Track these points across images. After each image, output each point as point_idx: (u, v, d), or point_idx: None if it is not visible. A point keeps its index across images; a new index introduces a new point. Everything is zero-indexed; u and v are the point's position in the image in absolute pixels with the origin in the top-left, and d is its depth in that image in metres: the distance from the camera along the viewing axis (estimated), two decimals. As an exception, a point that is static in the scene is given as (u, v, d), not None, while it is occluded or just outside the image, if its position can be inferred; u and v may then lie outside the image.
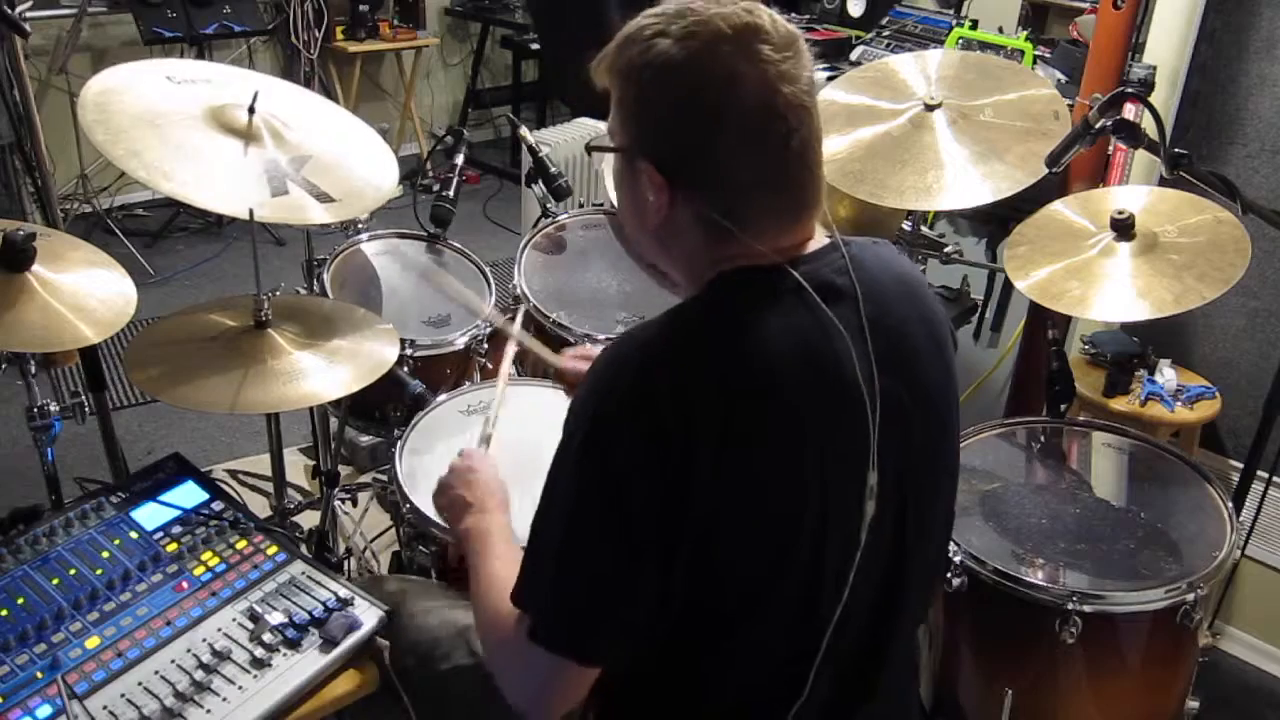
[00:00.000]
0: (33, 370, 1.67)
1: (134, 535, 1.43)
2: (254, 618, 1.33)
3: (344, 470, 2.66)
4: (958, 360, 1.11)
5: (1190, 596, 1.53)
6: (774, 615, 1.01)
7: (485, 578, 1.13)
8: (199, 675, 1.24)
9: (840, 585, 1.00)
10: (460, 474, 1.31)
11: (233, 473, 2.76)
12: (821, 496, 0.97)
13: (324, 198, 1.72)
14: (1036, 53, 3.31)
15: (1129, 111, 1.85)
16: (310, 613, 1.33)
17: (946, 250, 2.52)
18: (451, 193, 2.27)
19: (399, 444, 1.76)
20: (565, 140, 3.84)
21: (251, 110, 1.73)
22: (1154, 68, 2.26)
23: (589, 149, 1.12)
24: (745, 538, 0.97)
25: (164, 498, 1.51)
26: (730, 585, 0.99)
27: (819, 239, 1.05)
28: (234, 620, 1.33)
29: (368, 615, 1.35)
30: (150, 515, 1.48)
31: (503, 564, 1.14)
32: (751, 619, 1.01)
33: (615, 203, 1.15)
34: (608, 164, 1.11)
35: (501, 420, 1.84)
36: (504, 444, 1.74)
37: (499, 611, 1.05)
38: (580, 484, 0.97)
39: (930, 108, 2.09)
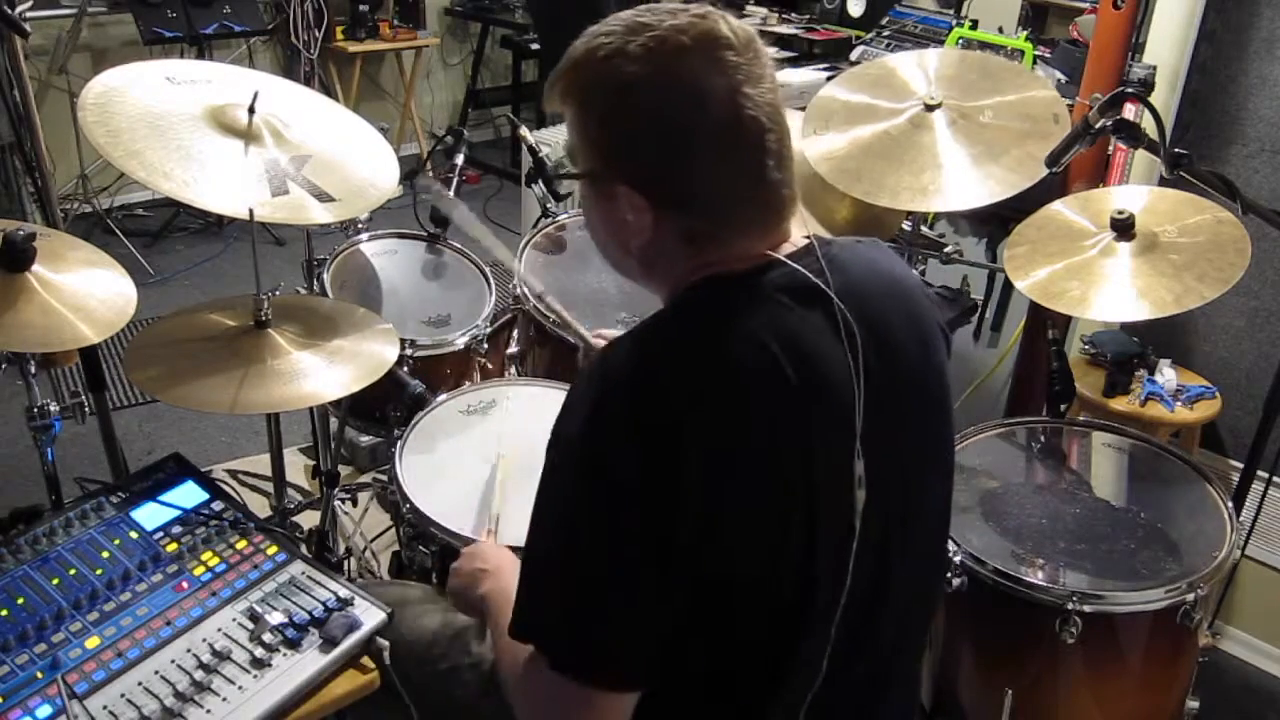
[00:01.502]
0: (33, 370, 1.67)
1: (134, 535, 1.43)
2: (254, 618, 1.33)
3: (344, 470, 2.66)
4: (958, 360, 1.12)
5: (1190, 596, 1.53)
6: (772, 609, 1.01)
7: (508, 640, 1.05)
8: (199, 675, 1.24)
9: (841, 575, 1.00)
10: (468, 556, 1.34)
11: (233, 473, 2.77)
12: (809, 491, 0.97)
13: (324, 197, 1.73)
14: (1036, 53, 3.31)
15: (1129, 111, 1.85)
16: (310, 613, 1.33)
17: (946, 250, 2.52)
18: (452, 193, 2.27)
19: (399, 444, 1.76)
20: (565, 140, 3.84)
21: (252, 110, 1.73)
22: (1154, 68, 2.26)
23: (557, 176, 1.12)
24: (738, 538, 0.96)
25: (164, 498, 1.51)
26: (729, 585, 0.98)
27: (797, 240, 1.05)
28: (234, 620, 1.33)
29: (368, 615, 1.35)
30: (150, 515, 1.48)
31: None
32: (752, 615, 1.00)
33: (587, 227, 1.13)
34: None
35: (506, 419, 1.84)
36: (508, 444, 1.74)
37: (518, 660, 1.03)
38: (576, 508, 0.96)
39: (930, 108, 2.09)
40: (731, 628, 1.01)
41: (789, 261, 1.01)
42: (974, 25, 3.62)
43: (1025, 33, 3.56)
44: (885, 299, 1.05)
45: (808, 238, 1.05)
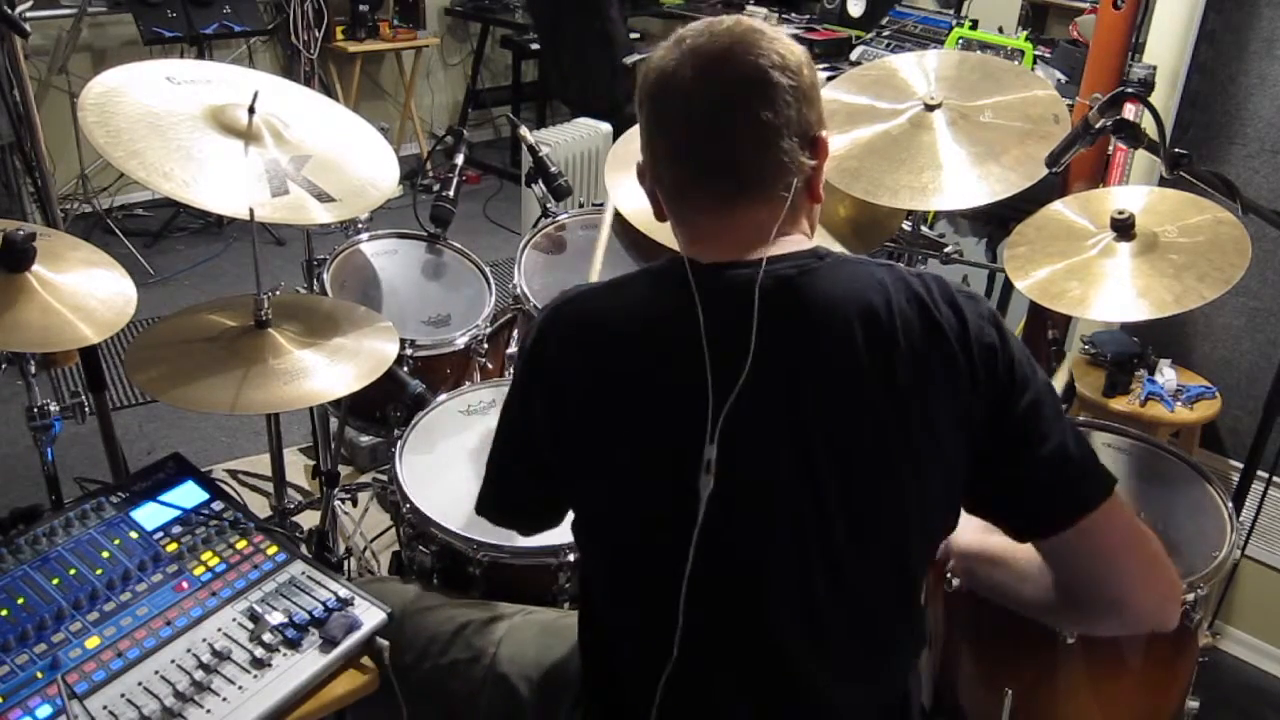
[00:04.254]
0: (33, 370, 1.67)
1: (134, 535, 1.44)
2: (254, 618, 1.33)
3: (344, 470, 2.66)
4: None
5: (1190, 596, 1.53)
6: (632, 582, 1.14)
7: None
8: (199, 675, 1.24)
9: (679, 554, 1.05)
10: None
11: (233, 473, 2.77)
12: (663, 468, 1.06)
13: (324, 197, 1.73)
14: (1036, 53, 3.31)
15: (1129, 111, 1.85)
16: (310, 613, 1.33)
17: (946, 250, 2.52)
18: (451, 193, 2.27)
19: (399, 444, 1.76)
20: (565, 140, 3.84)
21: (252, 110, 1.73)
22: (1154, 68, 2.26)
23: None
24: (593, 486, 1.14)
25: (164, 498, 1.51)
26: (593, 528, 1.18)
27: (788, 247, 1.09)
28: (234, 620, 1.33)
29: (368, 615, 1.35)
30: (150, 515, 1.48)
31: None
32: (618, 581, 1.16)
33: None
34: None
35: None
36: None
37: None
38: (505, 401, 1.22)
39: (930, 108, 2.09)
40: (607, 580, 1.18)
41: (742, 262, 1.07)
42: (974, 25, 3.63)
43: (1025, 33, 3.57)
44: (847, 321, 1.04)
45: (814, 248, 1.10)
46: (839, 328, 1.04)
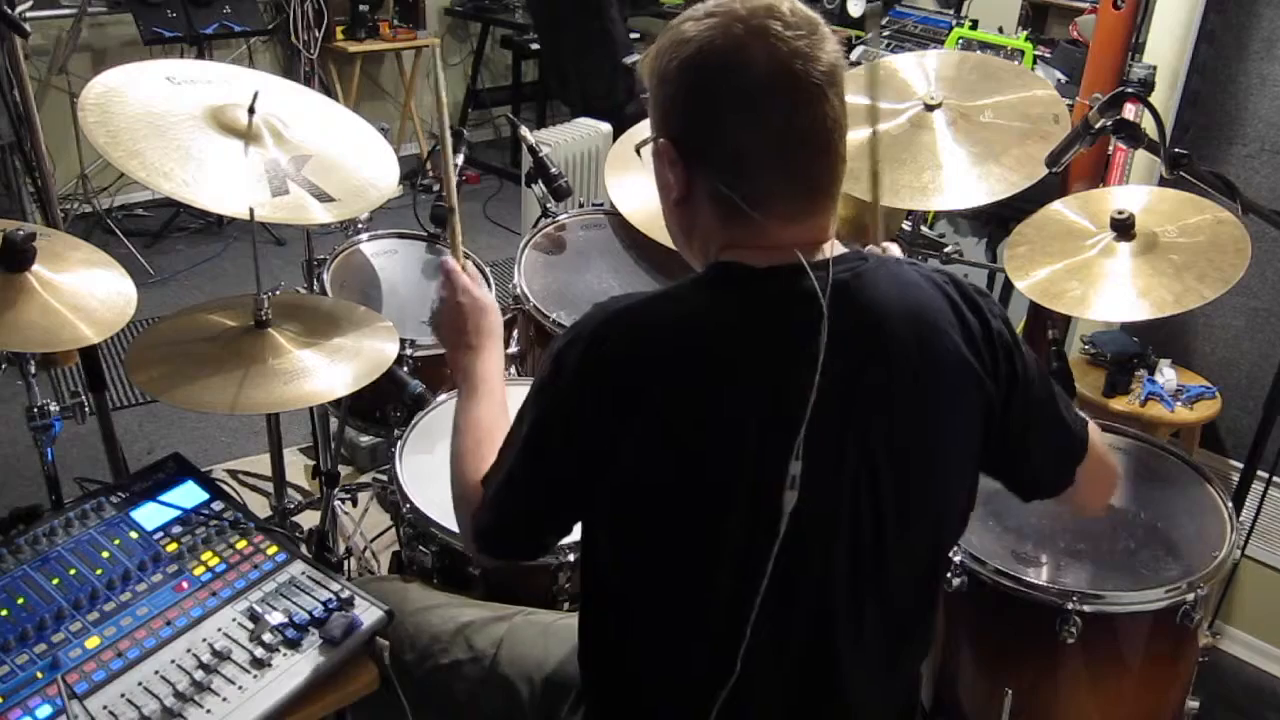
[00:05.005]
0: (33, 370, 1.67)
1: (134, 535, 1.44)
2: (254, 618, 1.33)
3: (344, 470, 2.66)
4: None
5: (1190, 596, 1.53)
6: (692, 593, 1.07)
7: (468, 420, 1.28)
8: (199, 675, 1.24)
9: (755, 570, 1.02)
10: (474, 310, 1.38)
11: (233, 473, 2.77)
12: (735, 481, 1.01)
13: (324, 197, 1.72)
14: (1036, 53, 3.31)
15: (1129, 111, 1.85)
16: (310, 613, 1.33)
17: (946, 250, 2.52)
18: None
19: (399, 444, 1.76)
20: (565, 140, 3.84)
21: (252, 110, 1.73)
22: (1154, 68, 2.25)
23: (638, 149, 1.17)
24: (660, 509, 1.04)
25: (164, 498, 1.51)
26: (651, 551, 1.08)
27: (838, 246, 1.07)
28: (234, 620, 1.33)
29: (368, 615, 1.35)
30: (150, 515, 1.48)
31: (485, 408, 1.30)
32: (674, 593, 1.08)
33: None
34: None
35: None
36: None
37: (469, 466, 1.22)
38: (532, 416, 1.09)
39: (930, 108, 2.09)
40: (659, 598, 1.10)
41: (807, 266, 1.02)
42: (974, 25, 3.62)
43: (1025, 33, 3.57)
44: (901, 322, 1.04)
45: (849, 248, 1.08)
46: (891, 331, 1.03)
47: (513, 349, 2.24)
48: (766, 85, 0.98)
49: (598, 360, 1.02)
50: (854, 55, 3.71)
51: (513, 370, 2.22)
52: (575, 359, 1.03)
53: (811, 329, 0.99)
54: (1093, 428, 1.24)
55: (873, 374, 1.03)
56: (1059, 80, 3.10)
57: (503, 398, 1.32)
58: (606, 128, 3.90)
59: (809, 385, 0.98)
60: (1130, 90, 1.80)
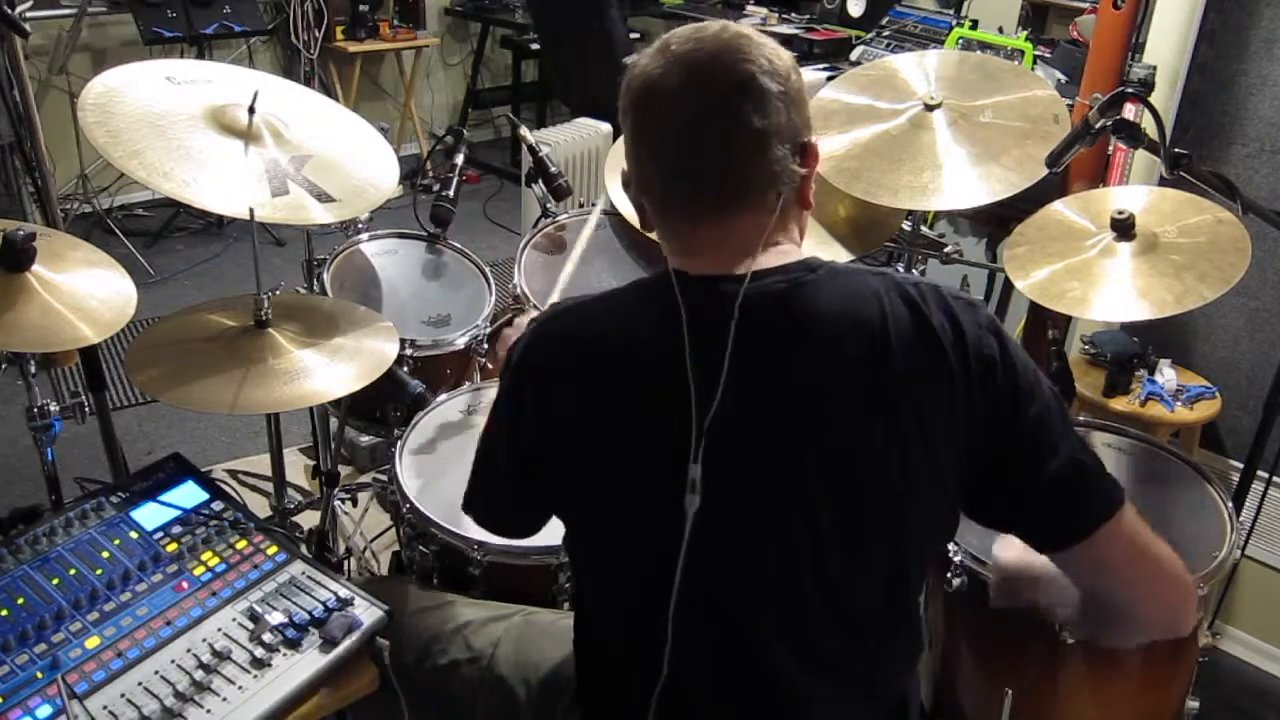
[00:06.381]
0: (33, 370, 1.67)
1: (134, 535, 1.43)
2: (254, 618, 1.33)
3: (344, 470, 2.66)
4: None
5: (1190, 596, 1.53)
6: (623, 594, 1.14)
7: None
8: (199, 675, 1.24)
9: (664, 569, 1.04)
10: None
11: (233, 473, 2.77)
12: (646, 484, 1.05)
13: (324, 197, 1.73)
14: (1036, 53, 3.31)
15: (1129, 111, 1.85)
16: (310, 613, 1.33)
17: (946, 250, 2.52)
18: (451, 193, 2.27)
19: (399, 444, 1.76)
20: (565, 140, 3.84)
21: (252, 110, 1.73)
22: (1154, 68, 2.26)
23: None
24: (583, 510, 1.14)
25: (164, 498, 1.51)
26: (587, 550, 1.17)
27: (778, 258, 1.07)
28: (234, 620, 1.33)
29: (368, 615, 1.35)
30: (150, 515, 1.48)
31: None
32: (611, 593, 1.16)
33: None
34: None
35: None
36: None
37: None
38: (493, 407, 1.20)
39: (930, 108, 2.09)
40: (596, 588, 1.19)
41: (732, 276, 1.05)
42: (974, 25, 3.63)
43: (1025, 33, 3.57)
44: (842, 331, 1.03)
45: (806, 259, 1.09)
46: (830, 342, 1.03)
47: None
48: (646, 91, 1.07)
49: (522, 363, 1.13)
50: (854, 55, 3.71)
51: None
52: (515, 358, 1.14)
53: (724, 337, 1.02)
54: (1136, 512, 1.12)
55: (801, 386, 1.03)
56: (1059, 80, 3.10)
57: None
58: (606, 128, 3.89)
59: (714, 392, 1.01)
60: (1130, 90, 1.80)
